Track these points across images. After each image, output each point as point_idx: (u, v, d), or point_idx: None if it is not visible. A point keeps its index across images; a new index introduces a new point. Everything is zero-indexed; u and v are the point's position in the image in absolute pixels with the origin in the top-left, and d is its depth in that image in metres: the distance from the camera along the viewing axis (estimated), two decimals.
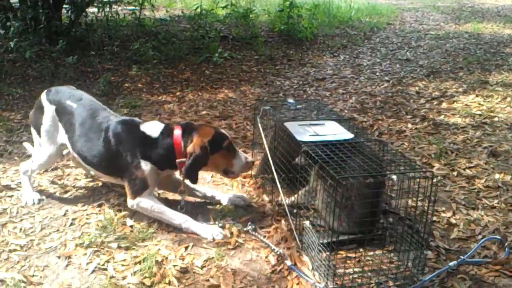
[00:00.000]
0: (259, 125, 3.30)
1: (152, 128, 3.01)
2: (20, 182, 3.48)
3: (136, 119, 3.25)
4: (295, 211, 2.85)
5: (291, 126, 3.02)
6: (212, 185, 3.56)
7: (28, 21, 6.89)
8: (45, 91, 3.36)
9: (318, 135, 2.87)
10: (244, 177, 3.61)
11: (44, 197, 3.32)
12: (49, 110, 3.23)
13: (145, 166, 2.92)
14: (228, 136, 3.02)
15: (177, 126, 2.98)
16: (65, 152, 3.43)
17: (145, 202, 2.93)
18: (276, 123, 3.16)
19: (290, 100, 3.59)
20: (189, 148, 2.86)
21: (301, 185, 2.80)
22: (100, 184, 3.58)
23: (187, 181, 3.03)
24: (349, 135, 2.90)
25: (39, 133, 3.29)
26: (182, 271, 2.53)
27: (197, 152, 2.83)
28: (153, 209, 2.93)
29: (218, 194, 3.26)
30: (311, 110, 3.57)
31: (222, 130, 3.10)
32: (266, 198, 3.33)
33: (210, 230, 2.83)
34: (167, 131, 2.97)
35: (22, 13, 6.95)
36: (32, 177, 3.41)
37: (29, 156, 3.81)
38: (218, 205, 3.20)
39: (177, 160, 2.90)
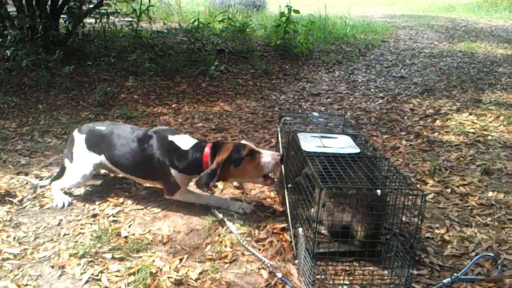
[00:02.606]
0: (279, 135, 3.34)
1: (183, 140, 3.27)
2: (15, 188, 3.49)
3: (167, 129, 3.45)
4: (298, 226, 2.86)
5: (303, 136, 3.09)
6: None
7: (26, 30, 6.91)
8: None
9: (324, 146, 2.92)
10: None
11: (73, 201, 3.47)
12: (80, 139, 3.51)
13: (174, 173, 3.22)
14: (247, 145, 3.10)
15: (208, 144, 3.21)
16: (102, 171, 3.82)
17: (178, 195, 3.32)
18: (290, 133, 3.20)
19: (315, 113, 3.65)
20: (209, 163, 3.12)
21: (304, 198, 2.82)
22: (95, 194, 3.57)
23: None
24: (355, 150, 2.94)
25: (71, 160, 3.52)
26: (177, 283, 2.53)
27: (212, 167, 3.06)
28: (186, 198, 3.34)
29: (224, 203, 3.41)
30: (334, 124, 3.65)
31: (243, 141, 3.17)
32: (278, 206, 3.38)
33: (239, 204, 3.24)
34: (198, 148, 3.20)
35: (20, 22, 6.97)
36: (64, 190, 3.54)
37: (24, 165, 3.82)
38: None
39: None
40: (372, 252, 2.67)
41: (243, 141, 3.18)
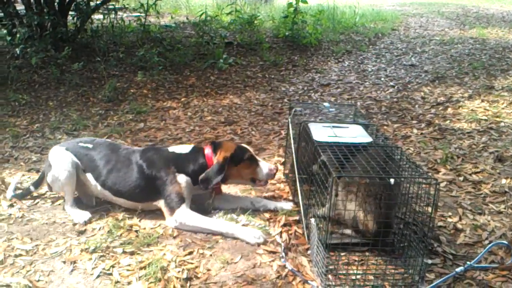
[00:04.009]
0: (290, 126, 3.33)
1: (181, 147, 3.26)
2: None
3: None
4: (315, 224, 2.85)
5: (314, 126, 3.08)
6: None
7: (34, 27, 6.94)
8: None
9: (336, 136, 2.90)
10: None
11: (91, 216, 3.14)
12: (66, 156, 3.22)
13: (181, 179, 3.07)
14: (249, 149, 3.24)
15: (206, 145, 3.21)
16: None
17: (184, 216, 2.98)
18: (301, 124, 3.19)
19: (325, 104, 3.62)
20: (214, 161, 3.09)
21: (317, 190, 2.80)
22: None
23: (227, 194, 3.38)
24: (367, 139, 2.91)
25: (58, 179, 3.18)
26: (187, 277, 2.52)
27: (219, 161, 3.06)
28: (193, 222, 2.97)
29: (268, 203, 3.32)
30: (345, 114, 3.63)
31: (244, 145, 3.33)
32: (289, 197, 3.38)
33: (252, 233, 2.85)
34: (197, 149, 3.20)
35: (28, 19, 7.00)
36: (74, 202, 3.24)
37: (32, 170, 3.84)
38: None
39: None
40: (385, 242, 2.64)
41: (243, 145, 3.34)
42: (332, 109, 3.64)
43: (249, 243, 2.82)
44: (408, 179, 2.55)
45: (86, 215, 3.13)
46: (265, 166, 3.20)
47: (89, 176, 3.22)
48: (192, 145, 3.28)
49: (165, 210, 3.06)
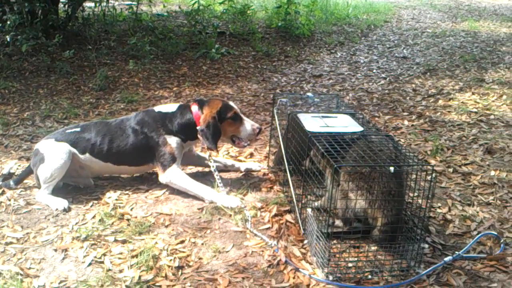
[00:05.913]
0: (276, 117, 3.34)
1: (167, 106, 3.46)
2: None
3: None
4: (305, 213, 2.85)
5: (304, 117, 3.07)
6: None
7: (25, 14, 6.86)
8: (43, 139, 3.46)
9: (327, 126, 2.91)
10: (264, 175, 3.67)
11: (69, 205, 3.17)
12: (59, 147, 3.27)
13: (171, 140, 3.29)
14: (234, 107, 3.39)
15: (193, 103, 3.39)
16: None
17: (176, 174, 3.24)
18: (289, 115, 3.20)
19: (309, 94, 3.63)
20: (202, 119, 3.27)
21: (310, 181, 2.80)
22: (97, 178, 3.56)
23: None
24: (358, 128, 2.92)
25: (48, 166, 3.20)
26: (179, 265, 2.54)
27: (210, 121, 3.23)
28: (181, 183, 3.23)
29: (236, 163, 3.69)
30: (328, 104, 3.64)
31: (230, 102, 3.46)
32: (278, 188, 3.40)
33: (230, 200, 3.12)
34: (184, 107, 3.39)
35: (19, 6, 6.91)
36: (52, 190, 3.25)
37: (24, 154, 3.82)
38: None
39: (198, 128, 3.29)
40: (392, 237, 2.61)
41: (230, 103, 3.45)
42: (317, 99, 3.64)
43: (228, 208, 3.06)
44: (406, 167, 2.56)
45: (65, 202, 3.15)
46: (248, 125, 3.37)
47: (87, 156, 3.33)
48: (178, 104, 3.47)
49: (158, 168, 3.31)
